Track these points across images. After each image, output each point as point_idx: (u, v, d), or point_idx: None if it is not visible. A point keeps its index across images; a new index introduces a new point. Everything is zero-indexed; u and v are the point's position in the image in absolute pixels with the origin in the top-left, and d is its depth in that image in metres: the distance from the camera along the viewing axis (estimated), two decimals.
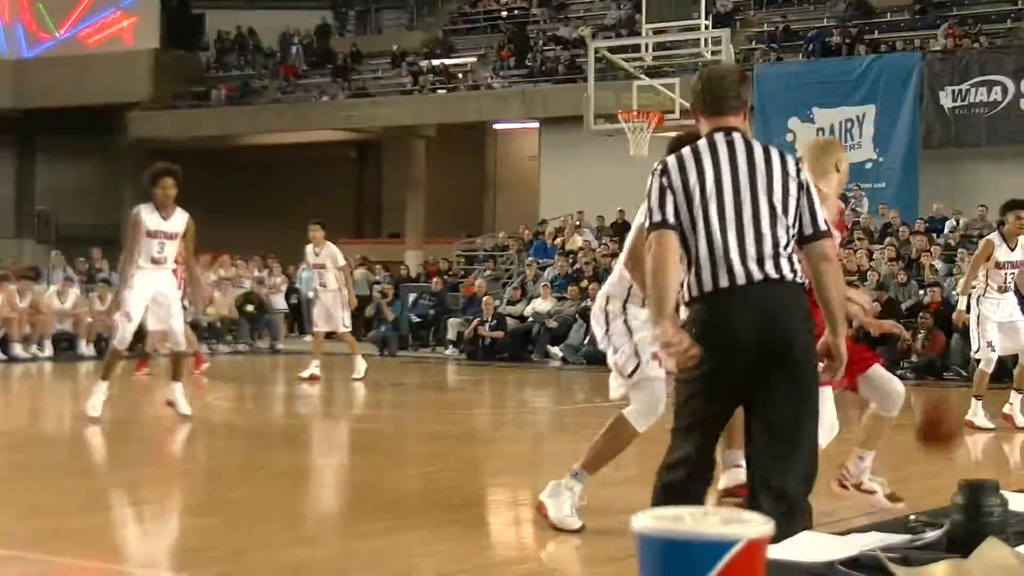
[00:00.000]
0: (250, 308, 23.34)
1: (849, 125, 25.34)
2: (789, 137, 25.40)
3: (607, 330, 6.62)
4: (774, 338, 4.31)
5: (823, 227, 4.48)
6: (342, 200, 37.84)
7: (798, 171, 4.51)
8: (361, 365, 16.33)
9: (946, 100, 24.45)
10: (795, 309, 4.39)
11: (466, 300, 23.37)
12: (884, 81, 24.96)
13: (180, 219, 11.44)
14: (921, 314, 18.10)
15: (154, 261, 11.22)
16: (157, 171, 11.52)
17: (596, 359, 19.92)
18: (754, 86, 25.40)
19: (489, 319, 21.46)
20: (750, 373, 4.32)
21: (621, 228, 25.54)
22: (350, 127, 34.08)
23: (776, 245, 4.38)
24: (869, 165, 25.17)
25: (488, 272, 25.54)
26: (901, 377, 17.68)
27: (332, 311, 16.03)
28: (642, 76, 23.24)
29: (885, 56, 25.65)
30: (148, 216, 11.30)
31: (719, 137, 4.51)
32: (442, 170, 34.28)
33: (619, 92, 23.76)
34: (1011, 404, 11.69)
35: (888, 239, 21.48)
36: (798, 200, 4.45)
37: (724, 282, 4.35)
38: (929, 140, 24.62)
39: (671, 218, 4.41)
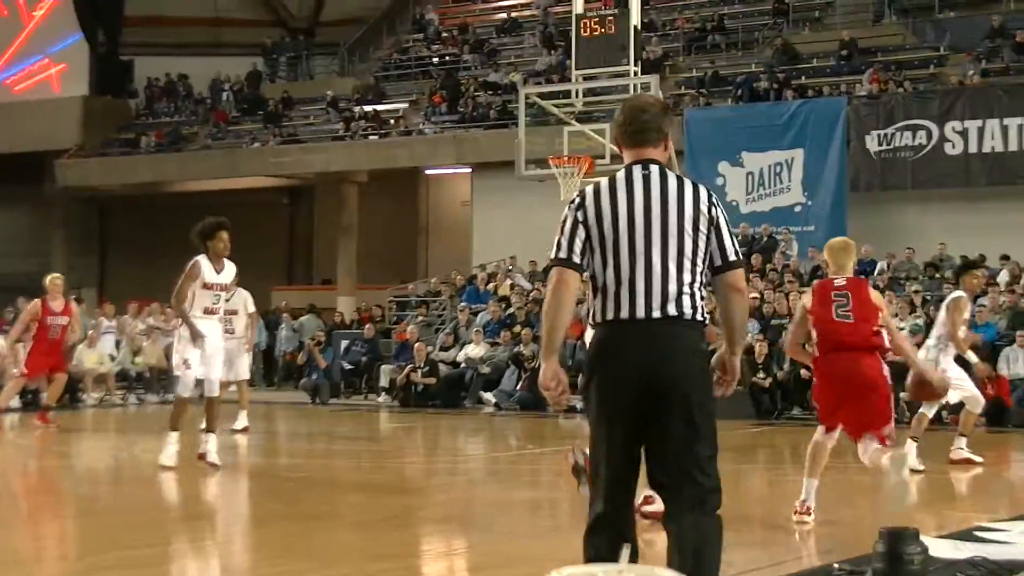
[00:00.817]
0: None
1: (778, 169, 25.61)
2: (719, 180, 25.61)
3: None
4: (663, 374, 4.47)
5: (732, 258, 4.65)
6: (274, 246, 37.66)
7: (711, 205, 4.63)
8: (243, 420, 15.94)
9: (872, 144, 24.80)
10: (688, 347, 4.53)
11: (399, 346, 23.28)
12: (811, 125, 25.27)
13: (230, 271, 11.67)
14: None
15: (207, 311, 11.44)
16: (213, 224, 11.57)
17: (529, 404, 19.94)
18: (684, 130, 25.64)
19: (422, 365, 21.38)
20: (641, 404, 4.47)
21: None
22: (282, 173, 33.98)
23: (680, 283, 4.54)
24: (798, 208, 25.42)
25: (421, 318, 25.50)
26: None
27: (235, 360, 15.64)
28: (572, 122, 23.30)
29: (812, 101, 25.99)
30: (207, 268, 11.43)
31: (636, 170, 4.65)
32: (374, 216, 34.23)
33: (550, 137, 23.81)
34: (961, 448, 11.95)
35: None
36: (708, 235, 4.61)
37: (624, 314, 4.53)
38: (856, 183, 24.94)
39: (577, 257, 4.59)
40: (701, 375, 4.55)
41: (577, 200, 4.66)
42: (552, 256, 4.64)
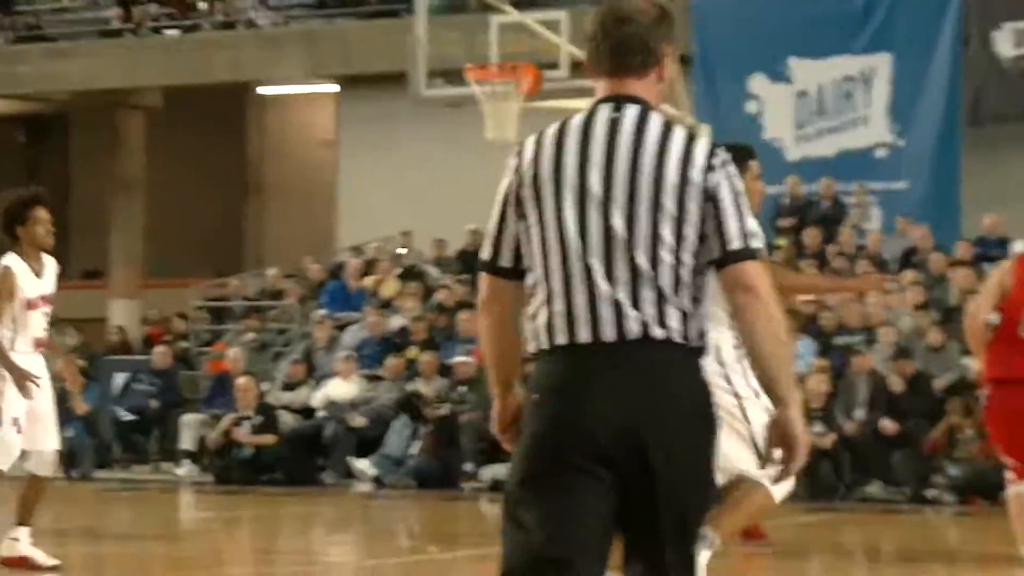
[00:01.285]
0: None
1: (849, 88, 25.63)
2: (751, 106, 25.64)
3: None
4: (644, 429, 4.63)
5: (735, 244, 4.75)
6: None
7: (708, 169, 4.76)
8: None
9: (1004, 45, 24.84)
10: (679, 386, 4.72)
11: (213, 383, 23.26)
12: (904, 15, 25.32)
13: (52, 272, 11.54)
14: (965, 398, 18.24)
15: (37, 344, 11.40)
16: (24, 201, 11.47)
17: (433, 478, 19.83)
18: (690, 24, 25.56)
19: (251, 415, 21.32)
20: (612, 473, 4.64)
21: (473, 258, 25.56)
22: (16, 93, 33.78)
23: (658, 289, 4.71)
24: (881, 152, 25.43)
25: (250, 336, 25.41)
26: (934, 501, 18.12)
27: None
28: (506, 7, 23.31)
29: None
30: (24, 275, 11.25)
31: (602, 112, 4.86)
32: (173, 164, 34.12)
33: (469, 33, 23.83)
34: None
35: (913, 273, 21.61)
36: (701, 214, 4.74)
37: (584, 335, 4.70)
38: (977, 111, 24.99)
39: (506, 259, 4.88)
40: (700, 430, 4.75)
41: (515, 158, 4.89)
42: (481, 257, 4.93)
